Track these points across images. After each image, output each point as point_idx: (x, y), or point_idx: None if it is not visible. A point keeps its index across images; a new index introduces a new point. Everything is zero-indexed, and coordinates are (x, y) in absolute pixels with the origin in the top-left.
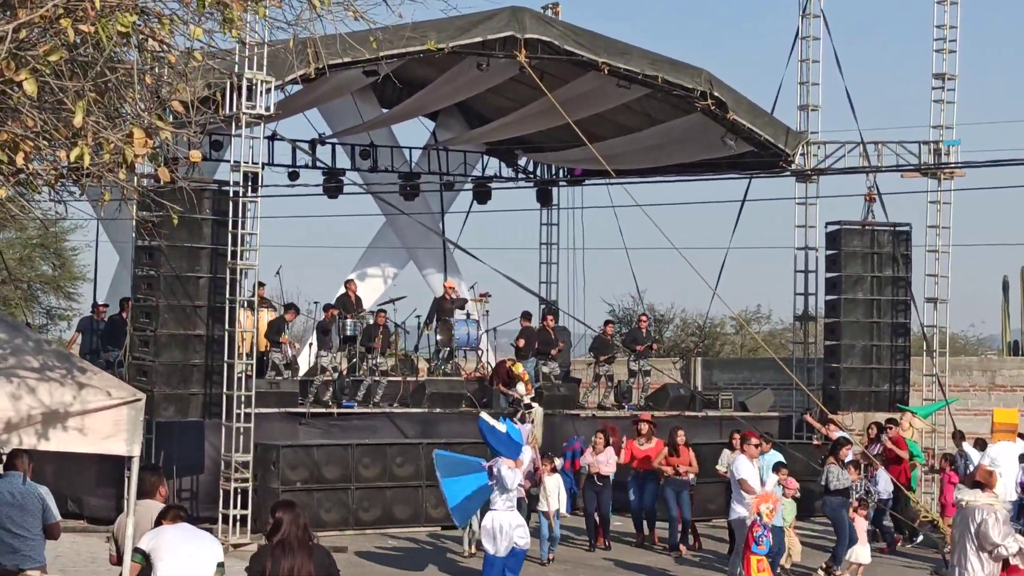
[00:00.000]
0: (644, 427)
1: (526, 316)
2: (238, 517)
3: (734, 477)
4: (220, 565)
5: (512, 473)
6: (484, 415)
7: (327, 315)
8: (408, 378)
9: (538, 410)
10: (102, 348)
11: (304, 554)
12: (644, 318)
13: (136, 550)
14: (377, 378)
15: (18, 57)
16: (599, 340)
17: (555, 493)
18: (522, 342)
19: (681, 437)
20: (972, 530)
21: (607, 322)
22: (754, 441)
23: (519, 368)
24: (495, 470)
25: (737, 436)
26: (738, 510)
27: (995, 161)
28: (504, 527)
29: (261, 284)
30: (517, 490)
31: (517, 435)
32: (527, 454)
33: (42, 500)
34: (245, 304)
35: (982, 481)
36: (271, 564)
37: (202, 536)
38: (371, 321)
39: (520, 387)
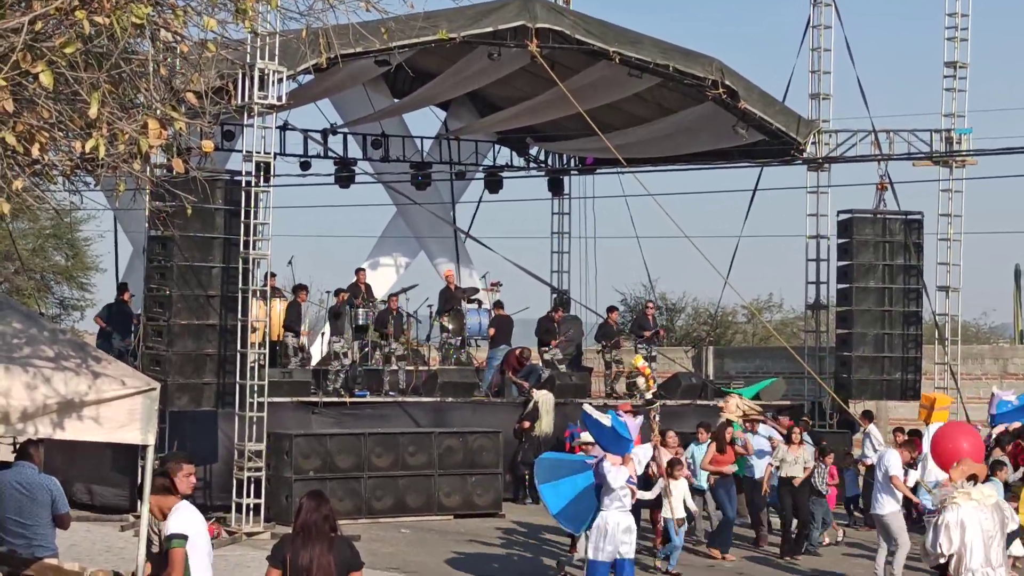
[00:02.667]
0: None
1: (498, 305)
2: (251, 506)
3: (885, 472)
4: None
5: (617, 471)
6: (588, 407)
7: (339, 300)
8: (420, 367)
9: (548, 397)
10: (110, 336)
11: (325, 544)
12: (651, 305)
13: (178, 536)
14: (395, 367)
15: (34, 49)
16: (602, 327)
17: (680, 499)
18: (492, 331)
19: (729, 434)
20: (997, 526)
21: (611, 308)
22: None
23: (639, 361)
24: (601, 468)
25: (703, 431)
26: (888, 504)
27: (1007, 149)
28: (609, 529)
29: (272, 275)
30: (625, 491)
31: (623, 429)
32: (642, 451)
33: (51, 491)
34: (258, 293)
35: (978, 474)
36: (291, 554)
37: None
38: (383, 307)
39: (640, 381)
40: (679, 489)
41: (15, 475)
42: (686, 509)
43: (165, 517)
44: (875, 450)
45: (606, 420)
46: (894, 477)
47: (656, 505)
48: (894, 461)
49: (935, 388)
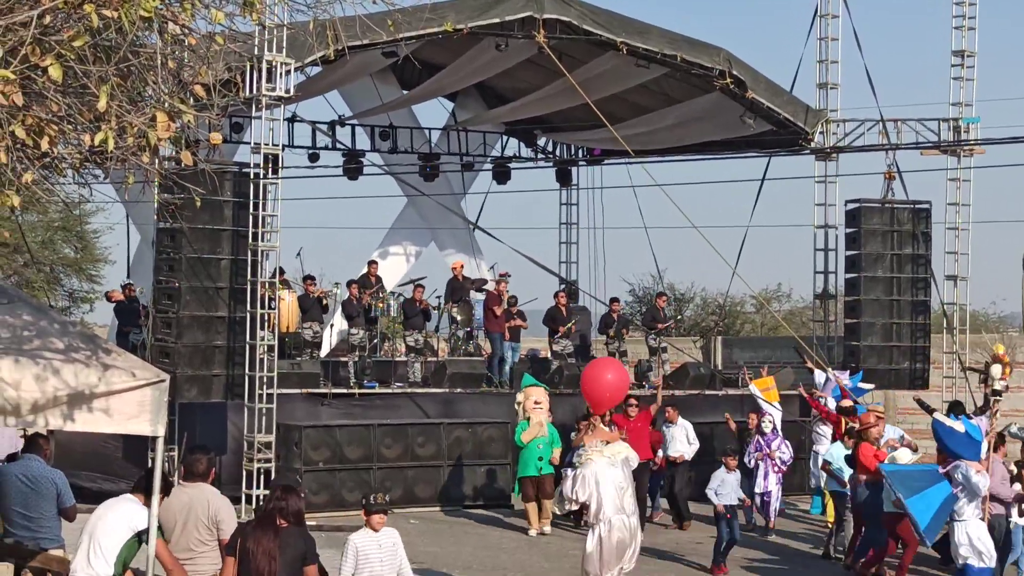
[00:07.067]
0: (632, 410)
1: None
2: (261, 497)
3: None
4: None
5: (981, 477)
6: (939, 415)
7: (351, 291)
8: (430, 358)
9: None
10: (121, 329)
11: (271, 533)
12: (663, 297)
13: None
14: (419, 357)
15: (43, 43)
16: (604, 318)
17: None
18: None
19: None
20: (626, 478)
21: (613, 299)
22: None
23: (1000, 348)
24: (960, 475)
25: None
26: None
27: (1015, 138)
28: (983, 537)
29: (282, 271)
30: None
31: (976, 432)
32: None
33: (56, 484)
34: (267, 285)
35: (611, 440)
36: (242, 539)
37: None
38: (408, 296)
39: (996, 369)
40: None
41: (21, 468)
42: None
43: None
44: None
45: (959, 426)
46: None
47: None
48: None
49: (943, 377)
